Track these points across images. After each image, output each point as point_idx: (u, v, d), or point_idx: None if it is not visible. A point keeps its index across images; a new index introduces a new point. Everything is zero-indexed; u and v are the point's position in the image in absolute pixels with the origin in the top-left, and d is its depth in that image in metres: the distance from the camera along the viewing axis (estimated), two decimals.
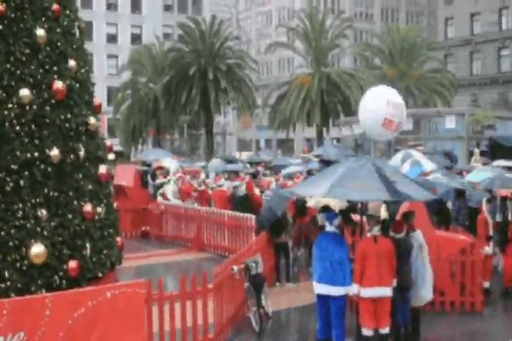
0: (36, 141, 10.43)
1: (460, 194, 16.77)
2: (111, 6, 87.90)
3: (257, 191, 20.92)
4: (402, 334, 11.24)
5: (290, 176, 24.87)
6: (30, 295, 9.06)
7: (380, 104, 12.15)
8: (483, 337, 12.27)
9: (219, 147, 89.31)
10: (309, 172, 24.64)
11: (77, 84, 11.53)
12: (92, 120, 11.68)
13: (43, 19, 11.03)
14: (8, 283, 9.64)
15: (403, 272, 10.82)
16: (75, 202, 10.83)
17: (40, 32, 10.80)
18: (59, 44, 11.23)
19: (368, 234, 10.82)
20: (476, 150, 33.28)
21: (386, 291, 10.40)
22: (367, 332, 10.47)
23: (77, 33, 12.04)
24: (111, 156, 12.98)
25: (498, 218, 16.16)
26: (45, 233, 10.16)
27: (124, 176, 24.64)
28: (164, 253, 20.83)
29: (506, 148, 34.53)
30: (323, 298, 10.79)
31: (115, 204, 12.68)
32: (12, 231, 9.84)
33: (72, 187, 10.84)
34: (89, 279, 10.72)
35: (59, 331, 8.42)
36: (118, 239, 12.22)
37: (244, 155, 52.55)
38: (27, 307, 8.22)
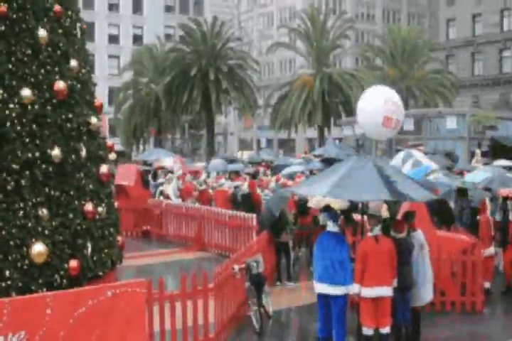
0: (37, 141, 10.46)
1: (462, 193, 16.80)
2: (112, 7, 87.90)
3: (258, 190, 20.99)
4: (402, 333, 11.25)
5: (291, 176, 24.90)
6: (30, 294, 9.07)
7: (378, 104, 12.17)
8: (484, 337, 12.28)
9: (220, 147, 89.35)
10: (311, 172, 24.69)
11: (79, 85, 11.57)
12: (93, 120, 11.71)
13: (45, 20, 11.06)
14: (9, 282, 9.67)
15: (404, 272, 10.83)
16: (76, 202, 10.86)
17: (41, 32, 10.83)
18: (61, 44, 11.27)
19: (369, 234, 10.83)
20: (478, 151, 33.31)
21: (387, 291, 10.41)
22: (367, 331, 10.48)
23: (79, 34, 12.08)
24: (112, 156, 13.01)
25: (498, 218, 16.18)
26: (46, 232, 10.19)
27: (126, 176, 24.67)
28: (165, 252, 20.84)
29: (507, 148, 34.59)
30: (323, 298, 10.80)
31: (116, 204, 12.70)
32: (13, 230, 9.86)
33: (73, 187, 10.86)
34: (89, 278, 10.75)
35: (60, 330, 8.43)
36: (119, 238, 12.25)
37: (246, 155, 52.58)
38: (28, 307, 8.23)
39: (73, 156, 10.98)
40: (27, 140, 10.34)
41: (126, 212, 22.60)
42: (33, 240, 9.94)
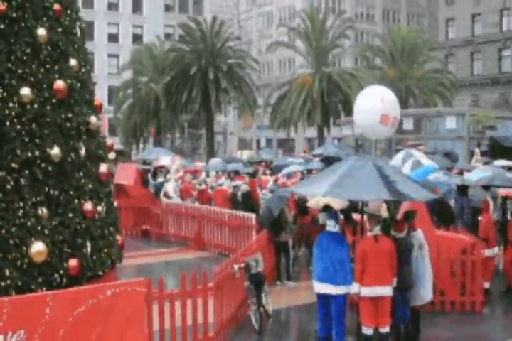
0: (37, 140, 10.45)
1: (462, 192, 16.81)
2: (112, 6, 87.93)
3: (258, 190, 21.02)
4: (402, 333, 11.26)
5: (290, 175, 24.91)
6: (30, 294, 9.07)
7: (374, 102, 12.22)
8: (483, 337, 12.27)
9: (220, 146, 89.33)
10: (310, 172, 24.68)
11: (78, 84, 11.56)
12: (92, 119, 11.70)
13: (44, 18, 11.05)
14: (9, 282, 9.66)
15: (404, 271, 10.83)
16: (76, 201, 10.85)
17: (41, 31, 10.82)
18: (60, 43, 11.25)
19: (369, 234, 10.83)
20: (477, 150, 33.30)
21: (386, 290, 10.40)
22: (367, 331, 10.48)
23: (78, 33, 12.07)
24: (111, 155, 13.00)
25: (496, 217, 16.19)
26: (46, 231, 10.18)
27: (125, 175, 24.66)
28: (165, 251, 20.84)
29: (507, 148, 34.61)
30: (323, 297, 10.80)
31: (116, 203, 12.70)
32: (13, 229, 9.86)
33: (72, 186, 10.86)
34: (89, 277, 10.74)
35: (59, 329, 8.43)
36: (118, 237, 12.25)
37: (245, 155, 52.58)
38: (27, 306, 8.22)
39: (73, 155, 10.97)
40: (26, 139, 10.33)
41: (126, 212, 22.62)
42: (33, 239, 9.94)
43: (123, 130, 68.44)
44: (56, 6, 11.28)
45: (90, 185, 11.32)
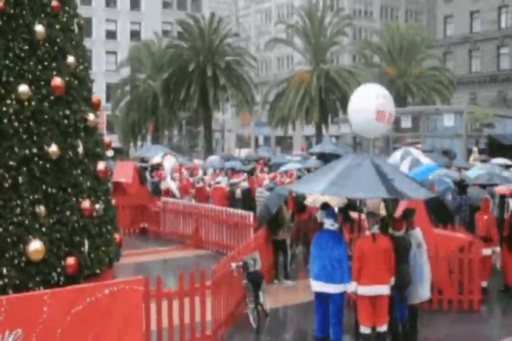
0: (35, 138, 10.42)
1: (462, 190, 16.82)
2: (110, 3, 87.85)
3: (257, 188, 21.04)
4: (399, 332, 11.25)
5: (287, 173, 24.91)
6: (27, 292, 9.04)
7: (369, 99, 12.24)
8: (481, 335, 12.27)
9: (218, 144, 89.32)
10: (308, 170, 24.69)
11: (76, 81, 11.52)
12: (90, 116, 11.67)
13: (42, 15, 11.02)
14: (6, 280, 9.64)
15: (401, 270, 10.82)
16: (74, 199, 10.83)
17: (39, 28, 10.78)
18: (58, 40, 11.22)
19: (367, 232, 10.81)
20: (475, 149, 33.31)
21: (384, 289, 10.39)
22: (365, 329, 10.48)
23: (76, 30, 12.03)
24: (109, 153, 12.97)
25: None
26: (44, 229, 10.16)
27: (123, 173, 24.63)
28: (162, 250, 20.82)
29: (505, 146, 34.62)
30: (321, 296, 10.80)
31: (113, 201, 12.67)
32: (10, 227, 9.83)
33: (70, 184, 10.83)
34: (87, 276, 10.72)
35: (57, 328, 8.41)
36: (116, 235, 12.21)
37: (243, 153, 52.57)
38: (25, 304, 8.20)
39: (70, 153, 10.95)
40: (24, 136, 10.30)
41: (124, 210, 22.60)
42: (30, 237, 9.91)
43: (121, 127, 68.40)
44: (54, 3, 11.25)
45: (88, 183, 11.29)
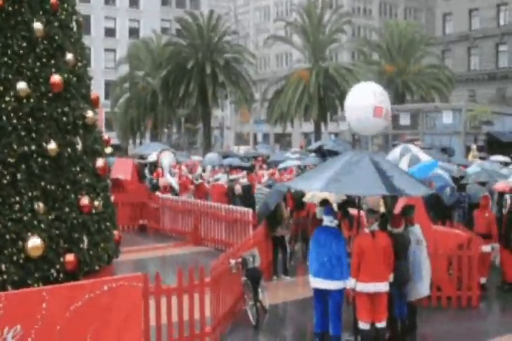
0: (33, 135, 10.43)
1: (461, 187, 16.83)
2: (109, 0, 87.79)
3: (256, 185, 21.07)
4: (398, 328, 11.27)
5: (286, 170, 24.93)
6: (26, 289, 9.05)
7: (366, 95, 12.27)
8: (479, 332, 12.27)
9: (217, 141, 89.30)
10: (305, 167, 24.74)
11: (75, 78, 11.53)
12: (89, 113, 11.67)
13: (41, 13, 11.03)
14: (5, 276, 9.66)
15: (400, 267, 10.83)
16: (72, 196, 10.84)
17: (37, 25, 10.79)
18: (57, 37, 11.23)
19: (366, 230, 10.82)
20: (474, 146, 33.32)
21: (383, 286, 10.40)
22: (364, 326, 10.49)
23: (75, 27, 12.04)
24: (108, 150, 12.98)
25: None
26: (42, 226, 10.17)
27: (122, 170, 24.63)
28: (161, 246, 20.82)
29: (503, 143, 34.63)
30: (320, 292, 10.81)
31: (112, 198, 12.68)
32: (9, 224, 9.84)
33: (69, 181, 10.84)
34: (86, 272, 10.74)
35: (56, 324, 8.41)
36: (115, 232, 12.24)
37: (242, 150, 52.58)
38: (24, 301, 8.21)
39: (69, 150, 10.96)
40: (23, 133, 10.32)
41: (123, 206, 22.60)
42: (29, 234, 9.92)
43: (120, 124, 68.45)
44: (53, 0, 11.26)
45: (87, 180, 11.30)
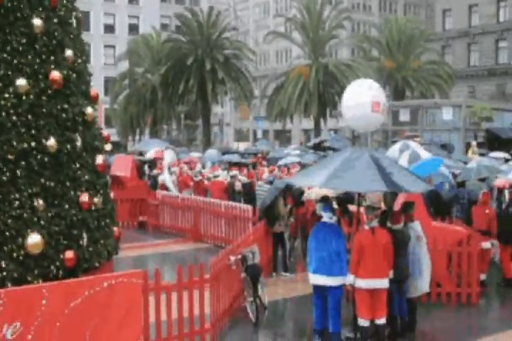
0: (33, 131, 10.40)
1: (460, 184, 16.83)
2: None
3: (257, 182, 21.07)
4: (398, 324, 11.29)
5: (287, 166, 24.94)
6: (26, 285, 9.05)
7: (364, 92, 12.31)
8: (479, 328, 12.29)
9: (216, 137, 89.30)
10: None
11: (74, 74, 11.50)
12: (89, 110, 11.65)
13: (40, 9, 10.98)
14: (5, 273, 9.64)
15: (400, 263, 10.85)
16: (72, 192, 10.82)
17: (37, 21, 10.75)
18: (56, 34, 11.19)
19: (366, 226, 10.83)
20: (473, 142, 33.29)
21: (383, 283, 10.41)
22: (363, 322, 10.50)
23: (74, 23, 12.00)
24: (108, 146, 12.96)
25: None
26: (42, 223, 10.15)
27: (121, 166, 24.65)
28: (161, 243, 20.85)
29: (503, 139, 34.58)
30: (319, 289, 10.82)
31: (112, 195, 12.67)
32: (9, 221, 9.82)
33: (68, 177, 10.82)
34: (85, 269, 10.72)
35: (55, 321, 8.42)
36: (115, 229, 12.21)
37: (242, 146, 52.60)
38: (23, 297, 8.21)
39: (69, 146, 10.93)
40: (22, 130, 10.29)
41: (122, 203, 22.61)
42: (29, 231, 9.91)
43: (119, 121, 68.46)
44: None
45: (86, 176, 11.28)
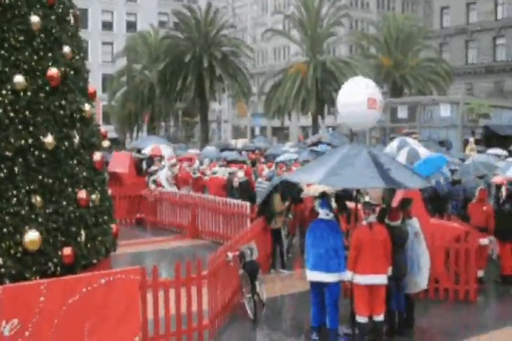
0: (30, 128, 10.39)
1: (457, 181, 16.84)
2: None
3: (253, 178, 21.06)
4: (396, 321, 11.30)
5: (286, 164, 24.94)
6: (24, 282, 9.05)
7: (360, 90, 12.34)
8: (477, 325, 12.30)
9: (214, 134, 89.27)
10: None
11: (72, 71, 11.48)
12: (86, 107, 11.64)
13: (38, 6, 10.96)
14: (3, 270, 9.63)
15: (398, 260, 10.85)
16: (70, 189, 10.81)
17: (34, 19, 10.74)
18: (53, 31, 11.17)
19: (363, 222, 10.83)
20: (471, 139, 33.35)
21: (381, 279, 10.42)
22: (361, 319, 10.51)
23: (72, 20, 11.98)
24: (106, 143, 12.95)
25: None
26: (40, 220, 10.15)
27: (119, 163, 24.65)
28: (159, 240, 20.85)
29: (501, 136, 34.66)
30: (316, 285, 10.82)
31: (110, 191, 12.67)
32: (6, 218, 9.82)
33: (66, 174, 10.81)
34: (83, 266, 10.72)
35: (53, 318, 8.42)
36: (113, 225, 12.21)
37: (240, 143, 52.61)
38: (21, 294, 8.21)
39: (66, 143, 10.92)
40: (20, 127, 10.28)
41: (120, 200, 22.61)
42: (27, 227, 9.90)
43: (117, 118, 68.46)
44: None
45: (84, 173, 11.27)
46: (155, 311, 10.15)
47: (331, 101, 58.37)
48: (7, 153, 10.04)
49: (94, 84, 14.59)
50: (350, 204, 14.30)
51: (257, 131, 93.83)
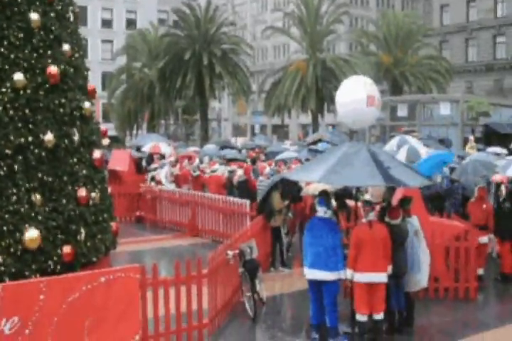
0: (30, 126, 10.39)
1: (455, 180, 16.82)
2: None
3: (252, 176, 21.03)
4: (396, 319, 11.29)
5: (285, 162, 24.90)
6: (24, 280, 9.05)
7: (358, 88, 12.34)
8: (477, 323, 12.30)
9: (214, 132, 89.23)
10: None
11: (72, 69, 11.48)
12: (86, 105, 11.64)
13: (37, 3, 10.96)
14: (3, 268, 9.63)
15: (397, 258, 10.84)
16: (70, 187, 10.81)
17: (34, 16, 10.73)
18: (53, 28, 11.17)
19: (363, 220, 10.82)
20: (471, 137, 33.29)
21: (381, 277, 10.41)
22: (361, 317, 10.50)
23: (72, 18, 11.97)
24: (105, 141, 12.95)
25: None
26: (40, 218, 10.14)
27: (119, 161, 24.63)
28: (159, 238, 20.84)
29: (501, 135, 34.60)
30: (315, 284, 10.81)
31: (109, 189, 12.67)
32: (6, 216, 9.82)
33: (66, 172, 10.81)
34: (83, 264, 10.72)
35: (53, 316, 8.42)
36: (112, 223, 12.21)
37: (240, 142, 52.57)
38: (21, 292, 8.21)
39: (66, 141, 10.92)
40: (20, 125, 10.28)
41: (120, 198, 22.59)
42: (26, 226, 9.90)
43: (117, 116, 68.38)
44: None
45: (84, 171, 11.27)
46: (155, 309, 10.15)
47: (330, 99, 58.24)
48: (7, 151, 10.04)
49: (94, 82, 14.58)
50: (350, 203, 14.30)
51: (257, 129, 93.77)
